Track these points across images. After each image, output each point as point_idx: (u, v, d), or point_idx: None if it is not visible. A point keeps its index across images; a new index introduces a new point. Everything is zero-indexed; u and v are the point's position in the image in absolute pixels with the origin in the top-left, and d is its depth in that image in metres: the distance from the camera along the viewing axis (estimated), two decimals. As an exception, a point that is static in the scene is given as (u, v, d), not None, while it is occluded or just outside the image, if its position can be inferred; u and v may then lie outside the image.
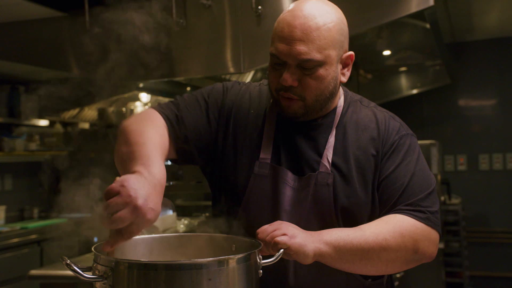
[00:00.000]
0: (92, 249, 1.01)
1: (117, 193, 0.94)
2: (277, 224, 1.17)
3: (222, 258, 0.96)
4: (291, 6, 1.26)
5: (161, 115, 1.29)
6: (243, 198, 1.30)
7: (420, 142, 4.79)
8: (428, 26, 3.71)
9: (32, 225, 4.51)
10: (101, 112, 5.43)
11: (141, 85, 4.27)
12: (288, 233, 1.13)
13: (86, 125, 5.66)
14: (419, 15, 3.07)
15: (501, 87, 5.71)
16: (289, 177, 1.28)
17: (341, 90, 1.37)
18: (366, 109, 1.36)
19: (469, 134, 5.80)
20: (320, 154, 1.29)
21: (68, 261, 0.95)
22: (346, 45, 1.29)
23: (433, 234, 1.23)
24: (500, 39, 5.62)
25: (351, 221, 1.26)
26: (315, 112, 1.29)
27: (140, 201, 0.94)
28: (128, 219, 0.93)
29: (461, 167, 5.82)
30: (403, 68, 5.50)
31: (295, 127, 1.32)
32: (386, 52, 4.90)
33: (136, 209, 0.93)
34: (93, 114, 5.60)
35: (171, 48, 3.00)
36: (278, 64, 1.24)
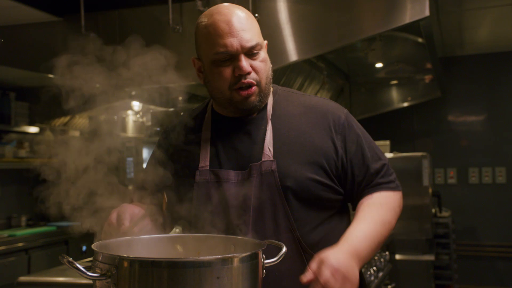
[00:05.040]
0: (93, 246, 0.99)
1: None
2: (322, 271, 1.12)
3: (227, 256, 0.95)
4: (210, 12, 1.35)
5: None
6: (192, 206, 1.35)
7: (411, 154, 4.78)
8: (420, 40, 3.75)
9: (19, 232, 4.45)
10: (92, 120, 5.40)
11: (133, 93, 4.25)
12: (340, 280, 1.12)
13: (76, 133, 5.62)
14: (413, 28, 3.11)
15: (490, 102, 5.78)
16: (231, 175, 1.35)
17: None
18: (298, 96, 1.45)
19: (459, 148, 5.85)
20: (260, 146, 1.35)
21: (70, 259, 0.93)
22: None
23: (401, 195, 1.44)
24: (490, 54, 5.70)
25: (303, 201, 1.32)
26: (265, 98, 1.38)
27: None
28: None
29: (451, 180, 5.85)
30: (394, 81, 5.55)
31: (231, 127, 1.40)
32: (378, 65, 4.95)
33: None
34: (83, 122, 5.56)
35: (166, 55, 2.99)
36: (224, 61, 1.31)
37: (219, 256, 0.94)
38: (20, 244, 4.29)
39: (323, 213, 1.37)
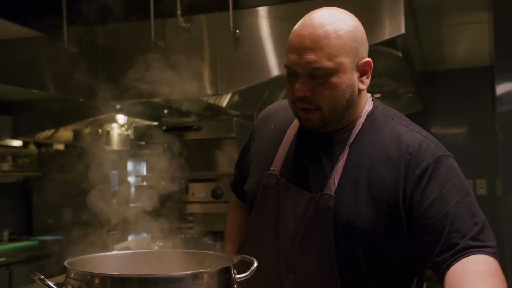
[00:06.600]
0: (65, 263, 1.01)
1: None
2: None
3: (198, 272, 0.97)
4: (304, 16, 1.26)
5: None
6: (253, 208, 1.37)
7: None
8: (400, 54, 3.82)
9: (1, 247, 4.41)
10: (77, 133, 5.38)
11: (118, 106, 4.26)
12: None
13: (61, 146, 5.60)
14: (391, 43, 3.16)
15: (470, 115, 5.88)
16: (292, 193, 1.28)
17: (371, 103, 1.33)
18: (394, 127, 1.28)
19: (441, 160, 5.92)
20: (327, 174, 1.25)
21: (42, 276, 0.94)
22: (362, 52, 1.25)
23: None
24: (470, 69, 5.81)
25: (353, 246, 1.22)
26: (334, 123, 1.26)
27: None
28: None
29: (434, 193, 5.91)
30: (377, 95, 5.62)
31: (310, 142, 1.31)
32: (361, 79, 5.01)
33: None
34: (68, 135, 5.55)
35: (149, 70, 3.02)
36: (291, 75, 1.24)
37: (190, 272, 0.96)
38: (2, 259, 4.25)
39: (376, 273, 1.24)
